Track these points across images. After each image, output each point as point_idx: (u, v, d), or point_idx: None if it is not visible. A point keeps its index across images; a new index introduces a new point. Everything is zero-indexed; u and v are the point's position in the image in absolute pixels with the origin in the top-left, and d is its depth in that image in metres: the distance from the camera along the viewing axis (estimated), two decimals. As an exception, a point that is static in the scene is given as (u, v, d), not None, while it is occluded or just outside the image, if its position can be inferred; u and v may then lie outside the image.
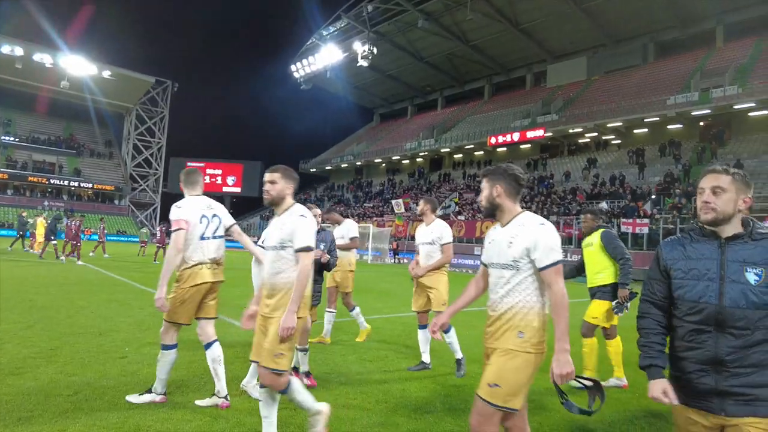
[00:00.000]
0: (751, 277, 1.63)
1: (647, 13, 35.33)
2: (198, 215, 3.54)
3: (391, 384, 4.27)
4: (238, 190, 54.59)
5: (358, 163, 51.10)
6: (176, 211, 3.49)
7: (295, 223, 2.74)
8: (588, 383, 2.26)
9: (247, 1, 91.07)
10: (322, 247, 4.40)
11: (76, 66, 47.08)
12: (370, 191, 46.77)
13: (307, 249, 2.72)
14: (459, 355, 4.65)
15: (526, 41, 40.91)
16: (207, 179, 53.29)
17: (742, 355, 1.64)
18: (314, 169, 56.40)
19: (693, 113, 29.20)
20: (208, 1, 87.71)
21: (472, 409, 2.21)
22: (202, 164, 52.55)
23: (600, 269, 4.51)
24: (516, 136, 36.28)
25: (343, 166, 52.77)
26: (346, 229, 6.06)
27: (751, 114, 28.11)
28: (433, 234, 4.79)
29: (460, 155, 43.53)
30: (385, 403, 3.73)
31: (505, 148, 39.60)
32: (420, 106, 56.20)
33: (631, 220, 22.91)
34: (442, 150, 42.81)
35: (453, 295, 3.47)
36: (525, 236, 2.23)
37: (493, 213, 2.41)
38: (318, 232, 4.31)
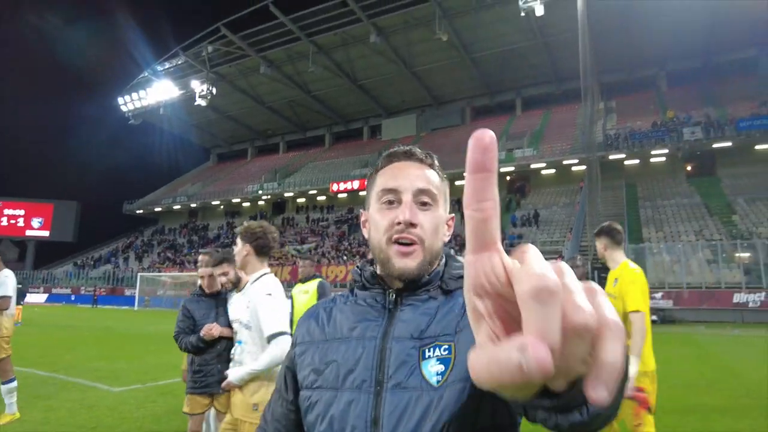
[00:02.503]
0: (433, 369, 0.77)
1: (463, 80, 41.00)
2: None
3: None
4: (45, 234, 47.14)
5: (193, 205, 48.33)
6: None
7: None
8: None
9: (62, 25, 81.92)
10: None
11: None
12: (206, 235, 44.46)
13: None
14: None
15: (363, 96, 44.07)
16: (4, 221, 45.27)
17: None
18: (141, 211, 51.64)
19: (501, 170, 34.30)
20: (14, 22, 76.63)
21: None
22: (-3, 203, 44.62)
23: None
24: (356, 184, 38.32)
25: (175, 207, 49.31)
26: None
27: (543, 172, 34.09)
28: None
29: (303, 199, 44.18)
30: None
31: (346, 195, 41.39)
32: (261, 148, 55.90)
33: (457, 263, 25.79)
34: (286, 194, 43.01)
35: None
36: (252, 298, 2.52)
37: (245, 268, 2.63)
38: (219, 296, 3.54)
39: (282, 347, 2.41)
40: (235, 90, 44.18)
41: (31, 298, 35.31)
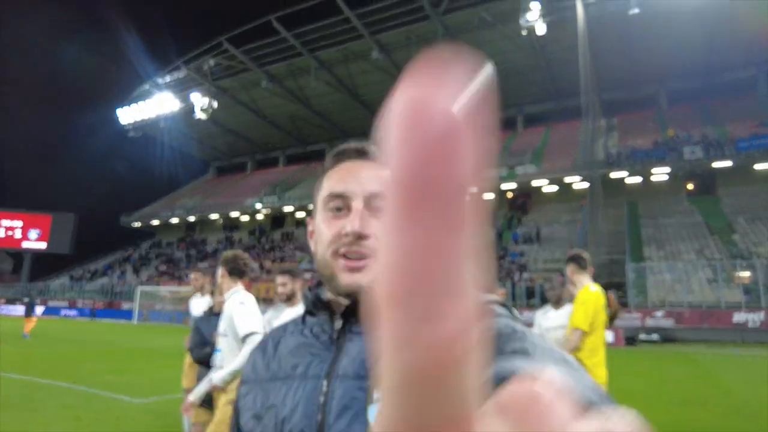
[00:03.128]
0: None
1: (464, 98, 41.22)
2: None
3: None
4: (43, 245, 46.78)
5: (191, 219, 48.15)
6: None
7: None
8: None
9: (63, 36, 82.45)
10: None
11: None
12: (204, 249, 44.23)
13: None
14: None
15: (365, 112, 44.24)
16: (1, 232, 45.02)
17: None
18: (138, 224, 51.41)
19: (502, 186, 34.40)
20: (15, 32, 76.87)
21: None
22: (-6, 214, 44.38)
23: None
24: (356, 198, 38.34)
25: (172, 221, 49.13)
26: None
27: (545, 189, 34.19)
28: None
29: (303, 214, 44.10)
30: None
31: (345, 209, 41.36)
32: (261, 162, 55.93)
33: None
34: (285, 208, 42.93)
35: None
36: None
37: (222, 287, 3.18)
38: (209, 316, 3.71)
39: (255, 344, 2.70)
40: (236, 103, 44.32)
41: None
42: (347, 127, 48.31)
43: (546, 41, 31.55)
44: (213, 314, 3.73)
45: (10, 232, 45.69)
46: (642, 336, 19.33)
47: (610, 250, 26.54)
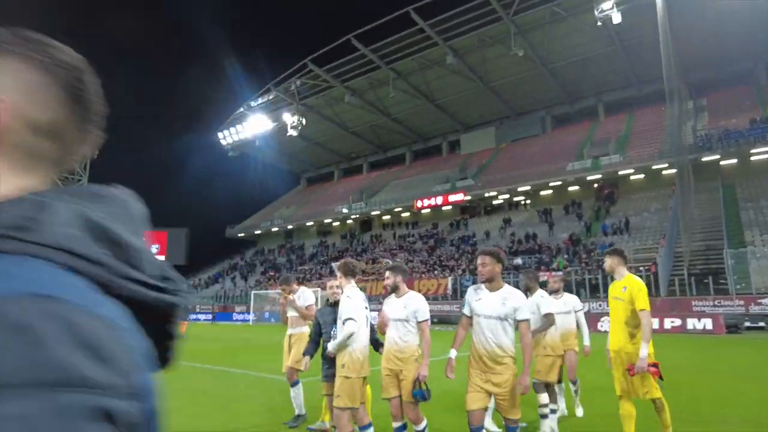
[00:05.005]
0: None
1: (541, 91, 41.23)
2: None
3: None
4: (162, 258, 53.15)
5: (289, 227, 52.19)
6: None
7: None
8: None
9: (168, 66, 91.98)
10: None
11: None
12: (302, 254, 47.80)
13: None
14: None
15: (441, 114, 45.62)
16: (131, 249, 51.81)
17: None
18: (242, 234, 56.53)
19: (588, 178, 34.17)
20: (128, 63, 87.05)
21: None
22: (125, 234, 51.04)
23: None
24: (439, 200, 39.77)
25: (273, 230, 53.53)
26: None
27: (632, 177, 33.53)
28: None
29: (389, 217, 46.30)
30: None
31: (429, 210, 42.90)
32: (346, 170, 59.10)
33: (547, 273, 26.37)
34: (372, 212, 45.36)
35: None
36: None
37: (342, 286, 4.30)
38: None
39: (348, 327, 3.98)
40: (322, 119, 47.48)
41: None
42: (424, 131, 49.92)
43: (622, 28, 31.06)
44: (328, 306, 4.84)
45: (136, 249, 52.45)
46: (747, 324, 18.93)
47: (705, 237, 25.82)
